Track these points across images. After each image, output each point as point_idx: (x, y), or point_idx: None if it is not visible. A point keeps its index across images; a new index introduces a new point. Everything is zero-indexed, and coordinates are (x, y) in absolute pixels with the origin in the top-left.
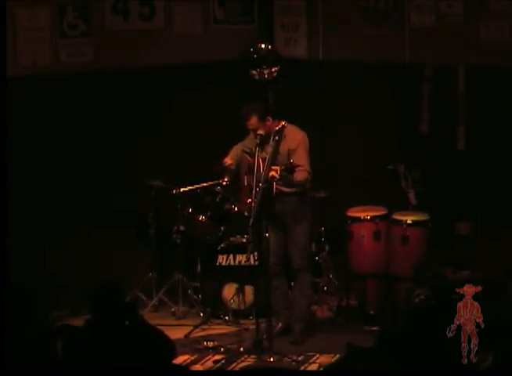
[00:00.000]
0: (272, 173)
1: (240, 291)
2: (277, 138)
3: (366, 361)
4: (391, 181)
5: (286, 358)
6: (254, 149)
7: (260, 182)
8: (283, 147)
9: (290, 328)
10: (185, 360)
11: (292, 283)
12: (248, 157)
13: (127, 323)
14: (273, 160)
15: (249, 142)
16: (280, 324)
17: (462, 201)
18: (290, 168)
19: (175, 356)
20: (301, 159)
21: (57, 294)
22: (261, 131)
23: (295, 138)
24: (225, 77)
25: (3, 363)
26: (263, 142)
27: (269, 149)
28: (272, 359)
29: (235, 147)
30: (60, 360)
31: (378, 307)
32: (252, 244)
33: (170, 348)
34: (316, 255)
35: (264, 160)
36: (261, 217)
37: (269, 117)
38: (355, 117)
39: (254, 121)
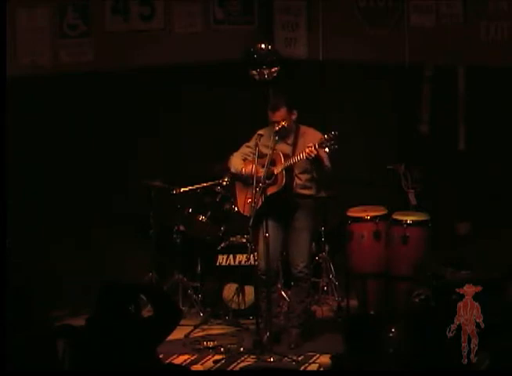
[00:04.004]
0: (308, 149)
1: (240, 290)
2: (277, 138)
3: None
4: (391, 181)
5: (286, 358)
6: (271, 143)
7: (260, 182)
8: (303, 144)
9: (286, 333)
10: (185, 360)
11: (291, 286)
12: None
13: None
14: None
15: (253, 143)
16: (268, 333)
17: (462, 201)
18: (332, 137)
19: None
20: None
21: (57, 294)
22: (283, 123)
23: (315, 135)
24: (225, 77)
25: (3, 363)
26: (283, 136)
27: (269, 149)
28: (272, 359)
29: (242, 149)
30: (60, 360)
31: (378, 307)
32: (253, 244)
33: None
34: (316, 255)
35: (283, 154)
36: (261, 217)
37: (295, 111)
38: (355, 117)
39: (282, 112)
